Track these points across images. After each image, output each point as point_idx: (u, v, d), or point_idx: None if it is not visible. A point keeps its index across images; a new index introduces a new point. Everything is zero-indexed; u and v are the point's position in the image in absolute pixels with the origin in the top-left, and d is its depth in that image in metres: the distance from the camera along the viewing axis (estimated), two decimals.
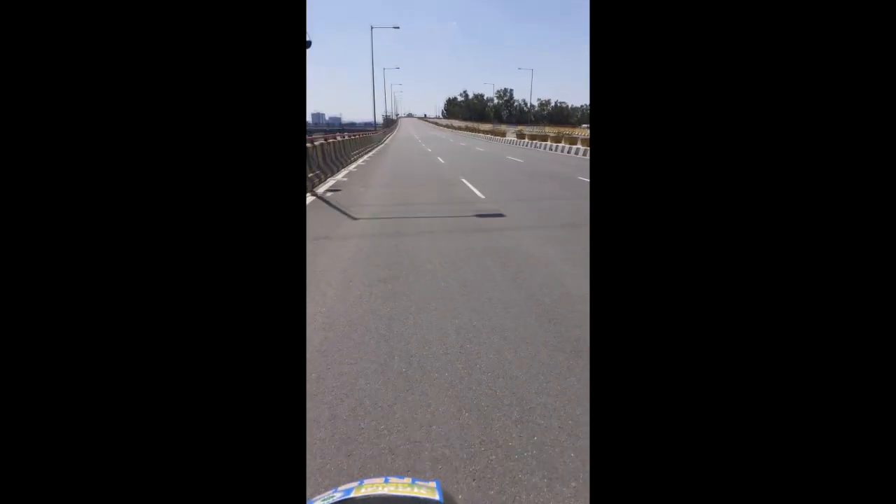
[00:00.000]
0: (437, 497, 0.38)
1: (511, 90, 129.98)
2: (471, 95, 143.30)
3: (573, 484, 1.48)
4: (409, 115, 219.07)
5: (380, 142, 27.78)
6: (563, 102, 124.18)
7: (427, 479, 0.41)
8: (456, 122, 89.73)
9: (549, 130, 33.93)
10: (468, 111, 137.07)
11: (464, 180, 9.98)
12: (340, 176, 10.77)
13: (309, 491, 1.43)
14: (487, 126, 60.67)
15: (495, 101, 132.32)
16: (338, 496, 0.38)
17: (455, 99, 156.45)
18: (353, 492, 0.38)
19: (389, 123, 72.64)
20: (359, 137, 18.34)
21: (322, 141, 11.22)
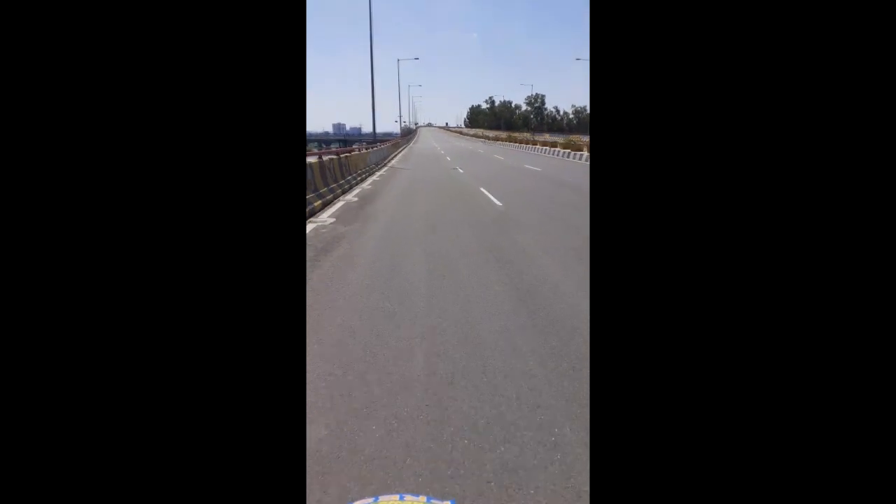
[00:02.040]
0: None
1: (543, 96, 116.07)
2: (497, 103, 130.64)
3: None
4: (429, 125, 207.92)
5: (378, 165, 15.17)
6: None
7: (443, 498, 0.39)
8: (490, 133, 75.97)
9: None
10: (494, 119, 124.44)
11: None
12: None
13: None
14: (542, 136, 47.42)
15: (524, 107, 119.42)
16: None
17: (479, 107, 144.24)
18: None
19: (407, 133, 62.78)
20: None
21: None
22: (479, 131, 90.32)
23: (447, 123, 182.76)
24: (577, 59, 74.49)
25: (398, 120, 50.01)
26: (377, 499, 0.39)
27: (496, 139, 48.85)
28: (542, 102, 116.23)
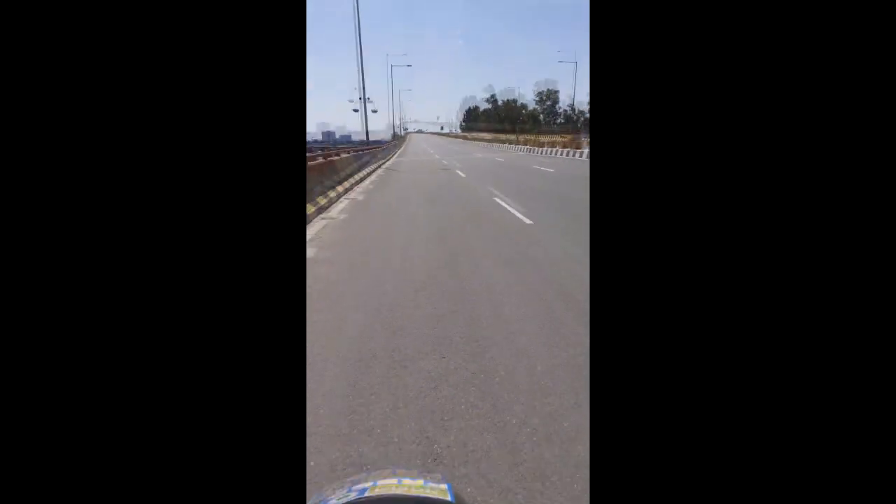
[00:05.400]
0: (448, 498, 0.39)
1: (556, 92, 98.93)
2: (500, 102, 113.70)
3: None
4: (420, 131, 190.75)
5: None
6: None
7: (438, 482, 0.42)
8: (545, 137, 56.79)
9: None
10: (497, 120, 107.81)
11: None
12: None
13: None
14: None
15: (534, 105, 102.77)
16: (352, 496, 0.39)
17: (476, 108, 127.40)
18: (368, 492, 0.39)
19: (394, 138, 46.20)
20: None
21: None
22: (491, 136, 72.43)
23: (442, 127, 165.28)
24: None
25: (355, 100, 27.59)
26: (376, 483, 0.40)
27: (569, 145, 27.29)
28: (556, 99, 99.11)
